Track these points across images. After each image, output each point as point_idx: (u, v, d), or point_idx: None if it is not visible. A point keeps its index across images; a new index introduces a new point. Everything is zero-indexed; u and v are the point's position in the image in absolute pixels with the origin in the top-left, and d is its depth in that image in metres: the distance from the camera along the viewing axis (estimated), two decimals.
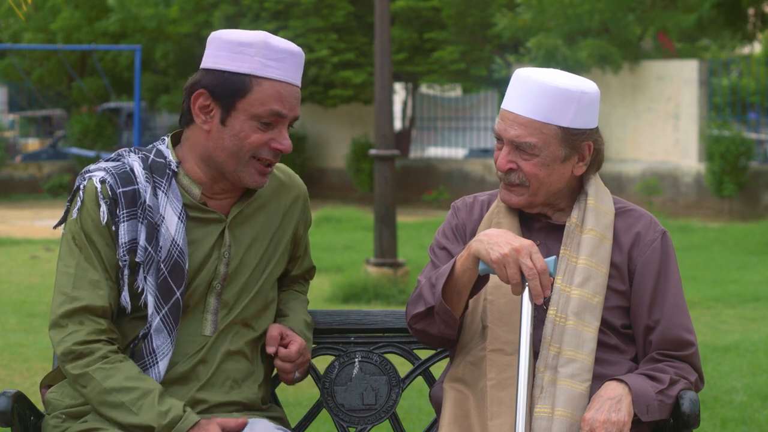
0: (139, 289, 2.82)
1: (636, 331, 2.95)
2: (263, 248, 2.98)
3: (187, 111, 2.88)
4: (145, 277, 2.82)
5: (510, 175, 2.94)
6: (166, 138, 2.96)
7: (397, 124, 26.35)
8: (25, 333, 8.81)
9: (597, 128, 2.97)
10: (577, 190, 3.02)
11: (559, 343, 2.83)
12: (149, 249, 2.81)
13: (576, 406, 2.78)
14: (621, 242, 2.96)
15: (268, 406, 3.02)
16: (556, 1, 19.87)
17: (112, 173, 2.85)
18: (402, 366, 3.47)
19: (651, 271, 2.94)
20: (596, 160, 3.00)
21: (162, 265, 2.82)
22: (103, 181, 2.84)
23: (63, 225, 2.90)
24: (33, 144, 29.47)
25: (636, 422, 2.82)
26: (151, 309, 2.81)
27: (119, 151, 2.95)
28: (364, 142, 23.97)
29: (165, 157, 2.89)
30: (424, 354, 3.31)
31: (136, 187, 2.84)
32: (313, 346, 3.21)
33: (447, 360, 3.16)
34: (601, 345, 2.89)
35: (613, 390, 2.80)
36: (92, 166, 2.91)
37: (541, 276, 2.74)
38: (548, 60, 19.52)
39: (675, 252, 3.01)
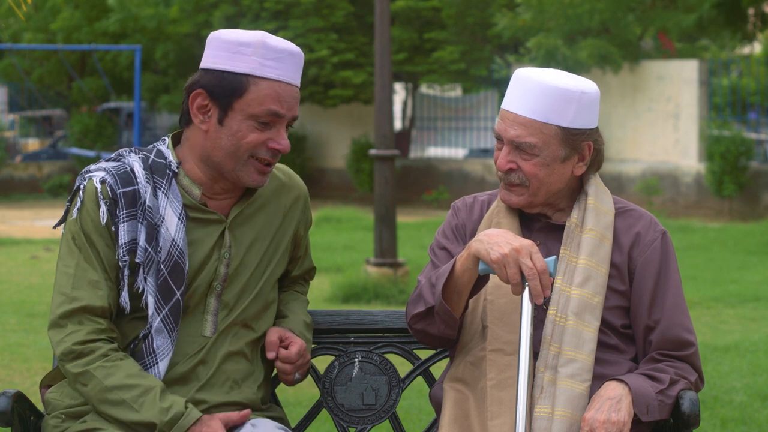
0: (139, 290, 2.82)
1: (636, 331, 2.95)
2: (264, 249, 2.98)
3: (186, 111, 2.88)
4: (145, 278, 2.82)
5: (510, 175, 2.94)
6: (166, 138, 2.96)
7: (397, 124, 26.35)
8: (25, 333, 8.81)
9: (597, 128, 2.98)
10: (577, 190, 3.02)
11: (559, 343, 2.83)
12: (149, 250, 2.81)
13: (576, 406, 2.78)
14: (621, 242, 2.96)
15: (267, 406, 3.02)
16: (556, 1, 19.87)
17: (113, 173, 2.85)
18: (402, 366, 3.47)
19: (651, 271, 2.94)
20: (596, 160, 3.00)
21: (162, 266, 2.81)
22: (103, 182, 2.84)
23: (63, 225, 2.89)
24: (33, 144, 29.47)
25: (636, 422, 2.82)
26: (151, 310, 2.81)
27: (120, 151, 2.94)
28: (364, 142, 23.97)
29: (165, 158, 2.89)
30: (424, 354, 3.31)
31: (136, 187, 2.84)
32: (313, 346, 3.21)
33: (447, 360, 3.16)
34: (601, 345, 2.89)
35: (613, 390, 2.80)
36: (92, 166, 2.91)
37: (541, 276, 2.74)
38: (548, 60, 19.52)
39: (675, 252, 3.01)
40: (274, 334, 2.99)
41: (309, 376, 3.11)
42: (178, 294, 2.83)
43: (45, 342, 8.24)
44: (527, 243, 2.77)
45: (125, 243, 2.81)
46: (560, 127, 2.89)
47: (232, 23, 23.52)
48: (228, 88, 2.81)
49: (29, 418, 2.88)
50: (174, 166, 2.88)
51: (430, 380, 3.26)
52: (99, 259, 2.81)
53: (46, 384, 2.96)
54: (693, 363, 2.93)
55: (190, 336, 2.87)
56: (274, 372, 3.09)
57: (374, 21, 11.43)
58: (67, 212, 2.88)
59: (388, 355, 3.28)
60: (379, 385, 3.24)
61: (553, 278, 2.80)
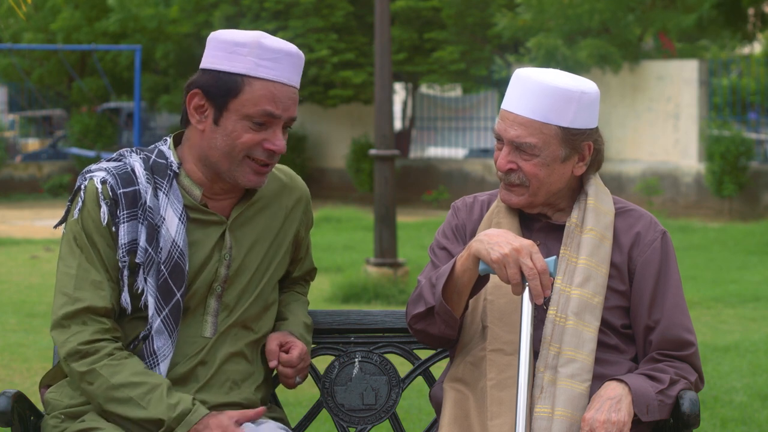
0: (139, 290, 2.82)
1: (636, 331, 2.95)
2: (264, 250, 2.97)
3: (185, 111, 2.88)
4: (145, 278, 2.81)
5: (510, 176, 2.94)
6: (168, 138, 2.96)
7: (397, 124, 26.35)
8: (25, 333, 8.81)
9: (597, 128, 2.98)
10: (577, 190, 3.02)
11: (559, 343, 2.83)
12: (149, 250, 2.81)
13: (576, 406, 2.78)
14: (621, 242, 2.96)
15: (268, 406, 3.02)
16: (556, 1, 19.87)
17: (113, 174, 2.85)
18: (402, 366, 3.47)
19: (651, 271, 2.94)
20: (596, 160, 3.00)
21: (162, 267, 2.81)
22: (103, 182, 2.84)
23: (63, 225, 2.89)
24: (33, 144, 29.47)
25: (636, 422, 2.82)
26: (151, 310, 2.81)
27: (121, 151, 2.94)
28: (364, 142, 23.97)
29: (166, 158, 2.89)
30: (424, 354, 3.31)
31: (136, 187, 2.84)
32: (313, 346, 3.21)
33: (447, 360, 3.16)
34: (601, 345, 2.89)
35: (613, 390, 2.80)
36: (93, 166, 2.91)
37: (541, 276, 2.74)
38: (548, 60, 19.52)
39: (675, 252, 3.01)
40: (273, 342, 2.99)
41: (309, 376, 3.11)
42: (179, 295, 2.83)
43: (45, 342, 8.24)
44: (527, 243, 2.77)
45: (125, 243, 2.81)
46: (560, 127, 2.89)
47: (232, 23, 23.52)
48: (223, 88, 2.81)
49: (29, 418, 2.88)
50: (175, 167, 2.88)
51: (430, 380, 3.26)
52: (101, 259, 2.81)
53: (45, 384, 2.96)
54: (693, 363, 2.93)
55: (190, 337, 2.87)
56: (275, 372, 3.09)
57: (374, 21, 11.43)
58: (67, 212, 2.88)
59: (388, 355, 3.28)
60: (379, 385, 3.24)
61: (553, 278, 2.80)
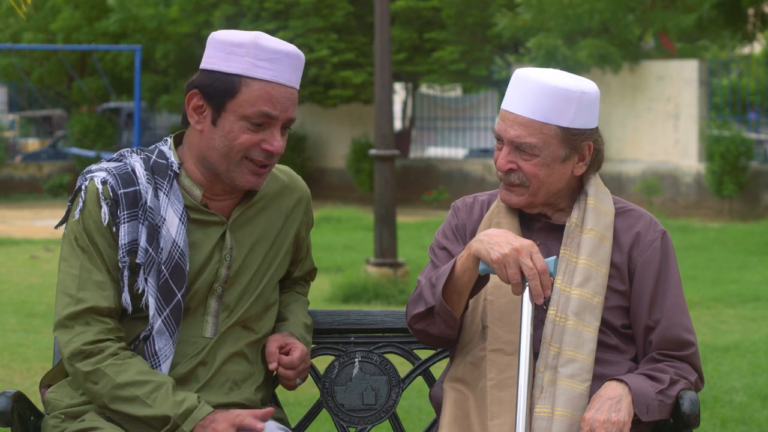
0: (139, 291, 2.82)
1: (636, 331, 2.95)
2: (265, 251, 2.97)
3: (185, 111, 2.89)
4: (145, 279, 2.81)
5: (510, 176, 2.94)
6: (168, 139, 2.96)
7: (397, 124, 26.35)
8: (25, 333, 8.81)
9: (597, 128, 2.98)
10: (577, 190, 3.02)
11: (559, 343, 2.83)
12: (150, 251, 2.81)
13: (576, 406, 2.78)
14: (621, 242, 2.96)
15: (268, 407, 3.02)
16: (556, 1, 19.87)
17: (114, 174, 2.85)
18: (402, 366, 3.47)
19: (651, 271, 2.94)
20: (596, 160, 3.00)
21: (163, 267, 2.81)
22: (104, 182, 2.84)
23: (64, 225, 2.89)
24: (33, 144, 29.47)
25: (636, 422, 2.82)
26: (152, 311, 2.81)
27: (121, 151, 2.94)
28: (364, 142, 23.97)
29: (167, 158, 2.89)
30: (424, 354, 3.31)
31: (137, 188, 2.84)
32: (313, 346, 3.22)
33: (447, 360, 3.16)
34: (601, 345, 2.89)
35: (613, 390, 2.80)
36: (94, 167, 2.91)
37: (541, 276, 2.74)
38: (548, 60, 19.52)
39: (675, 252, 3.01)
40: (273, 344, 2.99)
41: (309, 376, 3.11)
42: (179, 295, 2.83)
43: (45, 342, 8.25)
44: (527, 243, 2.78)
45: (126, 244, 2.81)
46: (560, 127, 2.89)
47: (232, 23, 23.52)
48: (221, 89, 2.81)
49: (29, 418, 2.88)
50: (175, 167, 2.88)
51: (430, 380, 3.26)
52: (102, 259, 2.81)
53: (45, 384, 2.96)
54: (693, 363, 2.93)
55: (190, 337, 2.87)
56: (275, 373, 3.08)
57: (374, 21, 11.43)
58: (68, 213, 2.88)
59: (388, 355, 3.28)
60: (379, 385, 3.24)
61: (554, 278, 2.80)
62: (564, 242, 2.93)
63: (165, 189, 2.85)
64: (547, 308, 2.87)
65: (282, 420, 3.01)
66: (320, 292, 10.42)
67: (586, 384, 2.81)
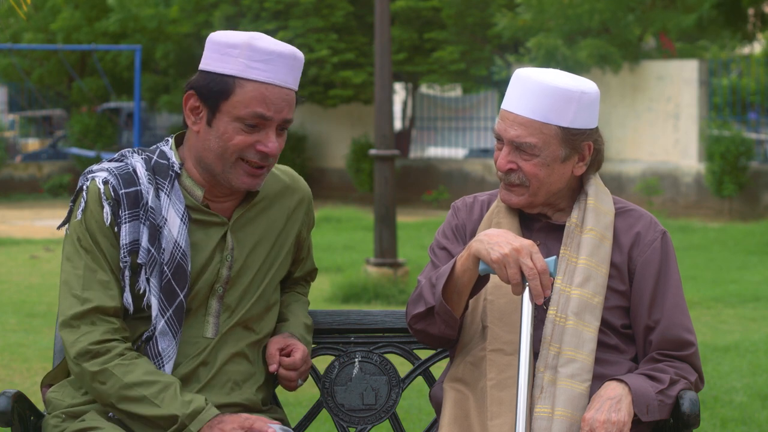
0: (141, 291, 2.82)
1: (636, 331, 2.95)
2: (266, 251, 2.97)
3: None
4: (147, 279, 2.82)
5: (510, 176, 2.94)
6: (170, 139, 2.96)
7: (397, 124, 26.36)
8: (25, 333, 8.81)
9: (597, 128, 2.98)
10: (577, 190, 3.02)
11: (559, 343, 2.83)
12: (152, 251, 2.81)
13: (576, 406, 2.79)
14: (621, 242, 2.96)
15: (268, 407, 3.02)
16: (556, 1, 19.87)
17: (115, 174, 2.85)
18: (402, 366, 3.47)
19: (651, 271, 2.94)
20: (596, 160, 3.00)
21: (165, 268, 2.82)
22: (105, 182, 2.84)
23: (66, 226, 2.89)
24: (33, 144, 29.47)
25: (636, 422, 2.82)
26: (155, 311, 2.82)
27: (122, 151, 2.94)
28: (364, 142, 23.98)
29: (168, 159, 2.89)
30: (424, 354, 3.31)
31: (138, 188, 2.84)
32: (313, 346, 3.22)
33: (447, 360, 3.16)
34: (601, 345, 2.89)
35: (613, 390, 2.80)
36: (95, 167, 2.91)
37: (541, 276, 2.74)
38: (548, 60, 19.52)
39: (675, 252, 3.01)
40: (274, 346, 2.99)
41: (309, 376, 3.11)
42: (182, 296, 2.83)
43: (45, 342, 8.25)
44: (527, 243, 2.78)
45: (127, 244, 2.81)
46: (560, 127, 2.89)
47: (232, 23, 23.53)
48: (215, 90, 2.81)
49: (29, 418, 2.88)
50: (176, 167, 2.88)
51: (430, 380, 3.26)
52: (106, 259, 2.81)
53: (47, 383, 2.96)
54: (693, 363, 2.93)
55: (191, 337, 2.87)
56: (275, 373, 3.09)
57: (374, 21, 11.43)
58: (70, 213, 2.88)
59: (388, 355, 3.28)
60: (379, 385, 3.24)
61: (554, 278, 2.80)
62: (564, 242, 2.93)
63: (166, 189, 2.85)
64: (547, 308, 2.87)
65: (282, 420, 3.01)
66: (320, 292, 10.42)
67: (586, 384, 2.81)
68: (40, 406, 2.97)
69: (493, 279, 2.92)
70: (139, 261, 2.81)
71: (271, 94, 2.80)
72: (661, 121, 20.25)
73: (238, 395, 2.90)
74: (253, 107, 2.79)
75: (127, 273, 2.81)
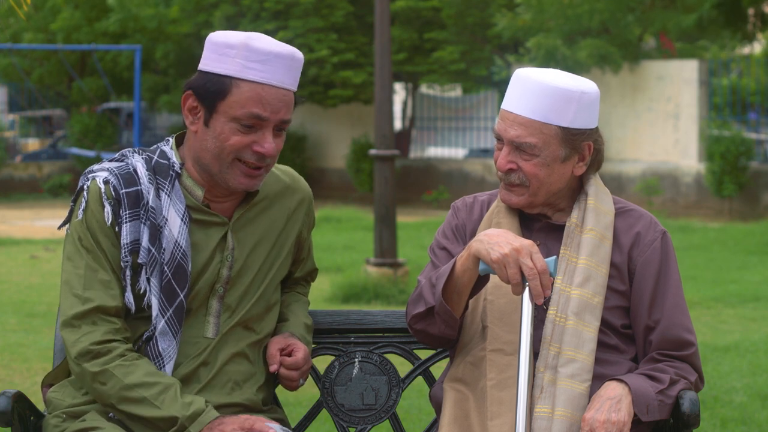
0: (141, 290, 2.82)
1: (636, 331, 2.95)
2: (267, 251, 2.97)
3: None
4: (148, 279, 2.82)
5: (510, 176, 2.94)
6: (170, 139, 2.96)
7: (397, 124, 26.36)
8: (25, 333, 8.81)
9: (597, 128, 2.98)
10: (577, 190, 3.02)
11: (559, 343, 2.83)
12: (152, 250, 2.81)
13: (576, 406, 2.79)
14: (621, 242, 2.96)
15: (269, 407, 3.02)
16: (556, 1, 19.87)
17: (116, 174, 2.85)
18: (402, 366, 3.47)
19: (651, 271, 2.94)
20: (596, 160, 3.00)
21: (165, 267, 2.82)
22: (106, 182, 2.84)
23: (67, 225, 2.89)
24: (33, 144, 29.48)
25: (636, 422, 2.82)
26: (155, 311, 2.82)
27: (123, 151, 2.94)
28: (364, 142, 23.98)
29: (168, 159, 2.89)
30: (424, 354, 3.31)
31: (139, 188, 2.84)
32: (313, 346, 3.22)
33: (447, 360, 3.16)
34: (601, 345, 2.89)
35: (613, 390, 2.80)
36: (96, 167, 2.91)
37: (541, 276, 2.74)
38: (548, 60, 19.53)
39: (675, 252, 3.01)
40: (274, 346, 2.99)
41: (309, 376, 3.12)
42: (182, 295, 2.83)
43: (45, 342, 8.25)
44: (527, 243, 2.78)
45: (128, 243, 2.81)
46: (560, 127, 2.89)
47: (232, 23, 23.53)
48: (212, 90, 2.80)
49: (29, 418, 2.88)
50: (177, 167, 2.88)
51: (430, 380, 3.26)
52: (107, 259, 2.81)
53: (47, 383, 2.96)
54: (693, 363, 2.93)
55: (192, 337, 2.88)
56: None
57: (374, 21, 11.43)
58: (71, 213, 2.88)
59: (388, 355, 3.28)
60: (379, 385, 3.24)
61: (554, 278, 2.80)
62: (564, 242, 2.93)
63: (167, 189, 2.85)
64: (547, 308, 2.87)
65: (282, 420, 3.01)
66: (320, 292, 10.42)
67: (586, 384, 2.81)
68: (40, 406, 2.97)
69: (493, 279, 2.92)
70: (139, 261, 2.81)
71: (267, 95, 2.80)
72: (661, 121, 20.25)
73: (238, 395, 2.90)
74: (250, 108, 2.79)
75: (128, 273, 2.81)
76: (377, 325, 3.28)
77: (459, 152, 25.30)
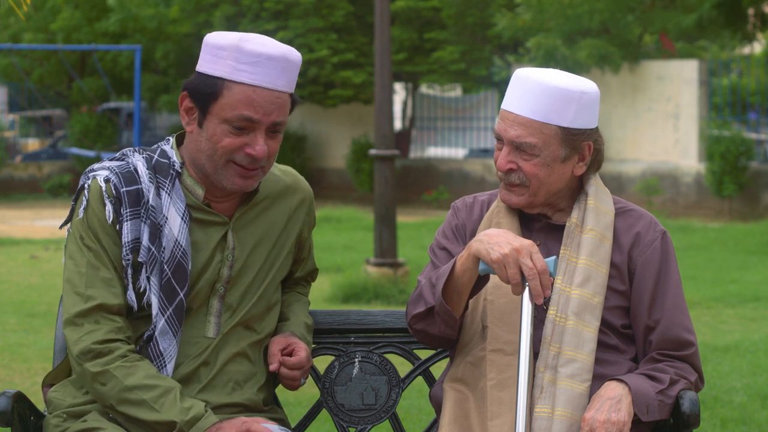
0: (141, 289, 2.82)
1: (636, 331, 2.95)
2: (267, 251, 2.97)
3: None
4: (148, 278, 2.82)
5: (510, 176, 2.94)
6: (171, 138, 2.96)
7: (397, 124, 26.36)
8: (25, 333, 8.81)
9: (597, 128, 2.98)
10: (577, 190, 3.02)
11: (559, 343, 2.83)
12: (152, 249, 2.81)
13: (576, 406, 2.79)
14: (621, 242, 2.96)
15: (269, 407, 3.02)
16: (556, 1, 19.88)
17: (116, 172, 2.86)
18: (402, 366, 3.47)
19: (651, 271, 2.94)
20: (596, 160, 3.00)
21: (165, 266, 2.82)
22: (107, 180, 2.84)
23: (69, 225, 2.89)
24: (33, 144, 29.48)
25: (636, 422, 2.82)
26: (155, 310, 2.82)
27: (123, 150, 2.95)
28: (364, 142, 23.98)
29: (169, 158, 2.89)
30: (424, 354, 3.31)
31: (139, 186, 2.85)
32: (313, 346, 3.22)
33: (447, 360, 3.16)
34: (601, 345, 2.89)
35: (613, 390, 2.80)
36: (96, 166, 2.92)
37: (541, 276, 2.74)
38: (548, 60, 19.53)
39: (675, 252, 3.01)
40: (275, 346, 2.99)
41: (309, 376, 3.12)
42: (182, 294, 2.83)
43: (45, 342, 8.25)
44: (527, 243, 2.78)
45: (128, 242, 2.81)
46: (560, 127, 2.89)
47: (232, 23, 23.53)
48: (205, 92, 2.81)
49: (29, 418, 2.88)
50: (177, 166, 2.88)
51: (430, 380, 3.26)
52: (108, 257, 2.82)
53: (48, 383, 2.96)
54: (693, 363, 2.93)
55: (193, 337, 2.88)
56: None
57: (374, 21, 11.43)
58: (72, 212, 2.88)
59: (388, 355, 3.28)
60: (379, 385, 3.24)
61: (553, 278, 2.80)
62: (564, 242, 2.93)
63: (167, 188, 2.86)
64: (547, 308, 2.87)
65: (282, 420, 3.01)
66: (320, 292, 10.43)
67: (586, 384, 2.81)
68: (41, 406, 2.97)
69: (493, 279, 2.92)
70: (139, 259, 2.81)
71: (258, 97, 2.79)
72: (661, 121, 20.25)
73: (239, 395, 2.90)
74: (240, 110, 2.78)
75: (129, 271, 2.81)
76: (377, 325, 3.28)
77: (459, 152, 25.30)
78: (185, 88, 2.85)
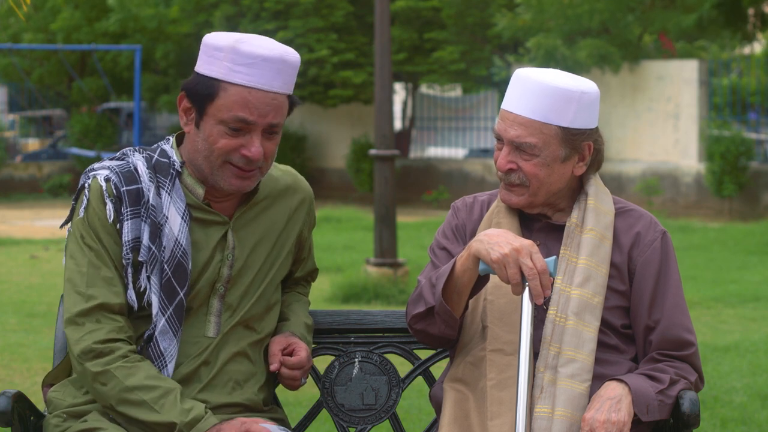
0: (142, 288, 2.82)
1: (636, 331, 2.95)
2: (267, 250, 2.97)
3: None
4: (148, 277, 2.82)
5: (510, 176, 2.94)
6: (171, 138, 2.96)
7: (397, 124, 26.36)
8: (25, 333, 8.81)
9: (597, 128, 2.98)
10: (577, 190, 3.02)
11: (559, 343, 2.83)
12: (153, 248, 2.81)
13: (576, 406, 2.79)
14: (621, 242, 2.96)
15: (269, 407, 3.02)
16: (556, 1, 19.88)
17: (117, 172, 2.86)
18: (402, 366, 3.47)
19: (651, 271, 2.94)
20: (596, 160, 3.00)
21: (165, 266, 2.82)
22: (107, 180, 2.85)
23: (69, 224, 2.89)
24: (33, 144, 29.48)
25: (636, 422, 2.82)
26: (155, 309, 2.82)
27: (124, 150, 2.95)
28: (364, 142, 23.98)
29: (169, 157, 2.90)
30: (424, 354, 3.31)
31: (139, 186, 2.85)
32: (313, 346, 3.22)
33: (447, 360, 3.16)
34: (601, 345, 2.89)
35: (613, 390, 2.80)
36: (96, 165, 2.92)
37: (541, 276, 2.74)
38: (548, 60, 19.53)
39: (675, 252, 3.01)
40: (275, 346, 2.99)
41: (309, 376, 3.12)
42: (182, 294, 2.83)
43: (45, 342, 8.25)
44: (527, 243, 2.78)
45: (129, 241, 2.81)
46: (560, 127, 2.89)
47: (232, 23, 23.53)
48: (202, 93, 2.81)
49: (29, 418, 2.88)
50: (177, 166, 2.88)
51: (430, 380, 3.26)
52: (109, 256, 2.82)
53: (48, 383, 2.96)
54: (693, 363, 2.93)
55: (193, 337, 2.88)
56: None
57: (374, 21, 11.43)
58: (73, 211, 2.88)
59: (388, 355, 3.28)
60: (379, 385, 3.24)
61: (553, 278, 2.80)
62: (564, 242, 2.93)
63: (167, 187, 2.86)
64: (547, 308, 2.87)
65: (282, 420, 3.01)
66: (320, 292, 10.43)
67: (586, 384, 2.81)
68: (41, 406, 2.97)
69: (493, 279, 2.92)
70: (140, 259, 2.81)
71: (254, 99, 2.79)
72: (661, 121, 20.25)
73: (239, 395, 2.90)
74: (236, 111, 2.78)
75: (129, 270, 2.81)
76: (377, 325, 3.28)
77: (459, 152, 25.30)
78: (183, 88, 2.85)
